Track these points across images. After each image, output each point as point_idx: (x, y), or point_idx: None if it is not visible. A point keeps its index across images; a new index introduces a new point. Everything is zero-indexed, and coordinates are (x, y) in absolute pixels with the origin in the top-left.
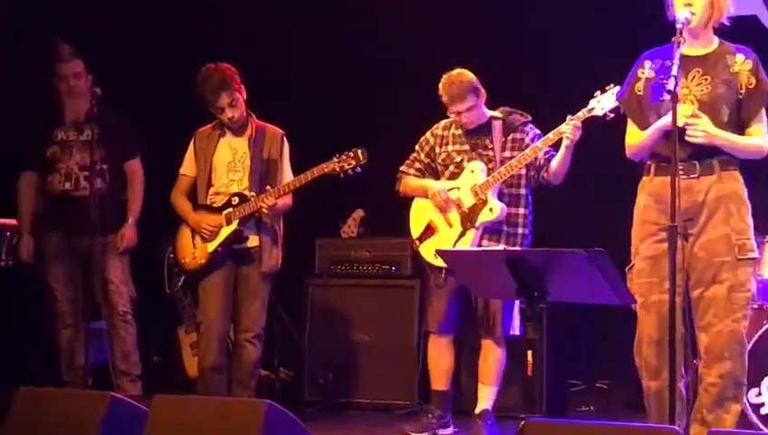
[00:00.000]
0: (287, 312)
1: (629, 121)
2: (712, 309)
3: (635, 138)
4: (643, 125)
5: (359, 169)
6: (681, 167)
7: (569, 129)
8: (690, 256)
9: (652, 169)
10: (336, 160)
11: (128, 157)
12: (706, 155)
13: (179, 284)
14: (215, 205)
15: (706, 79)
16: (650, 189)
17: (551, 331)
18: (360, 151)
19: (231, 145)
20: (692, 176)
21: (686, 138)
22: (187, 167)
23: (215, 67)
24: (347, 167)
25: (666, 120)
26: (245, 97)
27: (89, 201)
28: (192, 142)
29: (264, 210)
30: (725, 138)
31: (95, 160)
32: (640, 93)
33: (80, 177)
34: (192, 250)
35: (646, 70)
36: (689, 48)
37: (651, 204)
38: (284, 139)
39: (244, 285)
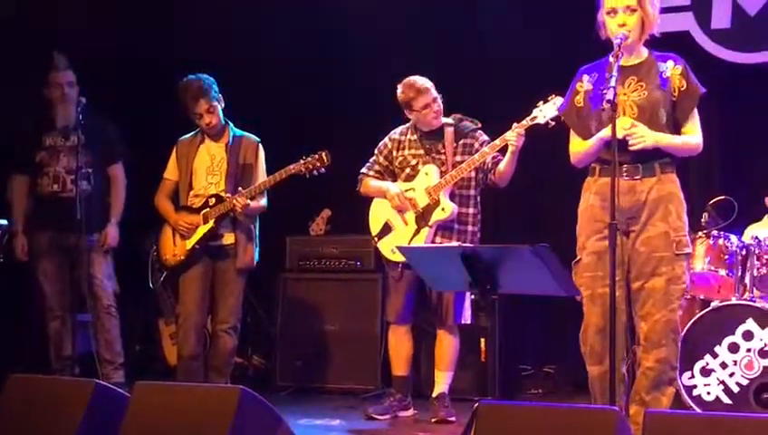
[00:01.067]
0: (260, 304)
1: (572, 132)
2: (651, 300)
3: (577, 147)
4: (584, 134)
5: (323, 170)
6: (625, 168)
7: (513, 136)
8: (632, 250)
9: (597, 170)
10: (302, 162)
11: (111, 161)
12: (648, 158)
13: (161, 279)
14: (194, 206)
15: (642, 85)
16: (596, 189)
17: (502, 320)
18: (324, 154)
19: (210, 151)
20: (635, 177)
21: (630, 148)
22: (170, 171)
23: (195, 77)
24: (312, 168)
25: (606, 132)
26: (223, 106)
27: (75, 202)
28: (174, 149)
29: (238, 209)
30: (666, 139)
31: (80, 165)
32: (580, 105)
33: (67, 179)
34: (172, 248)
35: (584, 83)
36: (624, 60)
37: (597, 203)
38: (260, 146)
39: (221, 280)
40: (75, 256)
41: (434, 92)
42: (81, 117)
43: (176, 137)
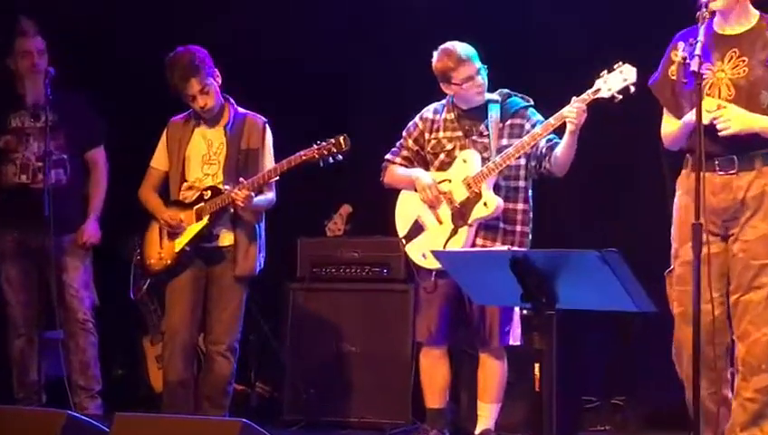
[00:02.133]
0: (265, 319)
1: (665, 109)
2: (748, 316)
3: (670, 127)
4: (678, 113)
5: (340, 157)
6: (717, 161)
7: (573, 112)
8: (730, 258)
9: (689, 163)
10: (316, 148)
11: (90, 146)
12: (746, 148)
13: (144, 288)
14: (186, 200)
15: (743, 60)
16: (688, 186)
17: (560, 341)
18: (342, 138)
19: (206, 136)
20: (730, 171)
21: (719, 133)
22: (159, 160)
23: (184, 51)
24: (327, 154)
25: (690, 115)
26: (220, 82)
27: (44, 195)
28: (164, 133)
29: (239, 203)
30: (761, 123)
31: (50, 150)
32: (674, 78)
33: (37, 168)
34: (158, 250)
35: (679, 52)
36: (724, 26)
37: (689, 203)
38: (267, 127)
39: (216, 290)
40: (45, 261)
41: (477, 62)
42: (49, 91)
43: (166, 116)
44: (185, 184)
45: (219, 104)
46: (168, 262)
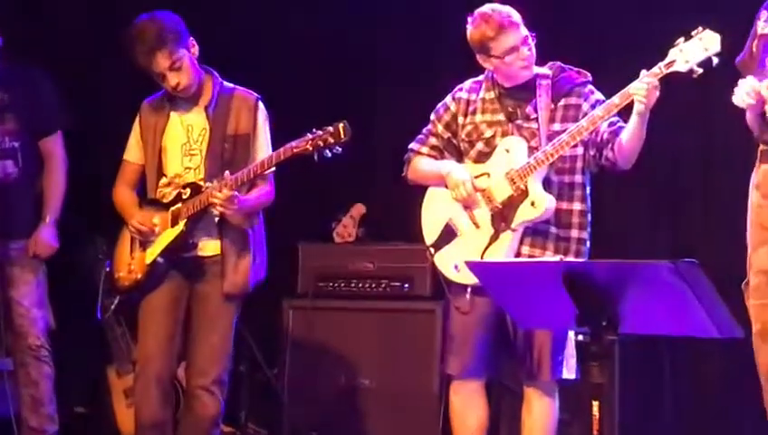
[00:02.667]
0: (258, 345)
1: None
2: None
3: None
4: None
5: (338, 150)
6: None
7: (642, 89)
8: None
9: (759, 153)
10: (310, 137)
11: (45, 132)
12: None
13: (112, 307)
14: (164, 200)
15: None
16: (758, 180)
17: (624, 374)
18: (341, 126)
19: (184, 121)
20: None
21: None
22: (132, 151)
23: (146, 19)
24: (323, 145)
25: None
26: (197, 53)
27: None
28: (137, 118)
29: (219, 206)
30: None
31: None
32: (756, 54)
33: None
34: (128, 261)
35: (760, 22)
36: None
37: (760, 201)
38: (260, 105)
39: (200, 311)
40: None
41: (523, 29)
42: None
43: (138, 96)
44: (163, 179)
45: (196, 81)
46: (139, 276)
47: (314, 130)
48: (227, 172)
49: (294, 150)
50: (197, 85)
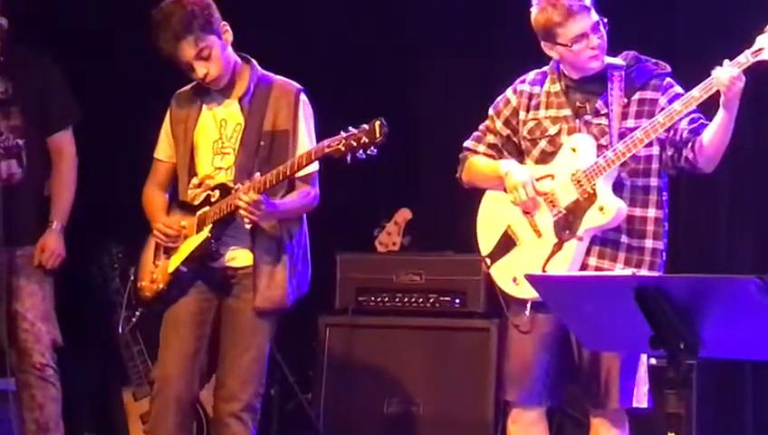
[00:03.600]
0: (292, 367)
1: None
2: None
3: None
4: None
5: (374, 151)
6: None
7: (725, 77)
8: None
9: None
10: (343, 137)
11: (55, 128)
12: None
13: (134, 320)
14: (195, 202)
15: None
16: None
17: (705, 402)
18: (377, 124)
19: (217, 115)
20: None
21: None
22: (163, 149)
23: (173, 3)
24: (356, 146)
25: None
26: (230, 38)
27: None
28: (168, 113)
29: (243, 211)
30: None
31: (1, 132)
32: None
33: None
34: (151, 269)
35: None
36: None
37: None
38: (302, 98)
39: (231, 328)
40: None
41: (594, 14)
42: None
43: (159, 85)
44: (194, 180)
45: (228, 71)
46: (161, 286)
47: (349, 128)
48: (258, 173)
49: (326, 150)
50: (230, 75)
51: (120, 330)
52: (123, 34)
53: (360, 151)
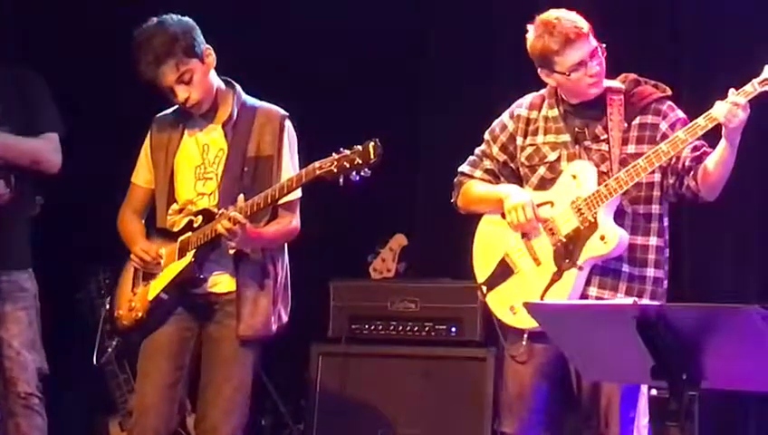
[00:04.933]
0: (283, 397)
1: None
2: None
3: None
4: None
5: (367, 172)
6: None
7: (725, 110)
8: None
9: None
10: (335, 158)
11: (33, 133)
12: None
13: (111, 349)
14: (174, 228)
15: None
16: None
17: (707, 433)
18: (371, 145)
19: (200, 140)
20: None
21: None
22: (141, 174)
23: (154, 26)
24: (349, 167)
25: None
26: (213, 61)
27: None
28: (148, 136)
29: (227, 238)
30: None
31: None
32: None
33: None
34: (130, 297)
35: None
36: None
37: None
38: (287, 124)
39: (212, 357)
40: None
41: (592, 40)
42: None
43: (150, 101)
44: (174, 206)
45: (211, 95)
46: (140, 314)
47: (341, 149)
48: (241, 197)
49: (318, 172)
50: (213, 100)
51: (95, 361)
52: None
53: (354, 173)
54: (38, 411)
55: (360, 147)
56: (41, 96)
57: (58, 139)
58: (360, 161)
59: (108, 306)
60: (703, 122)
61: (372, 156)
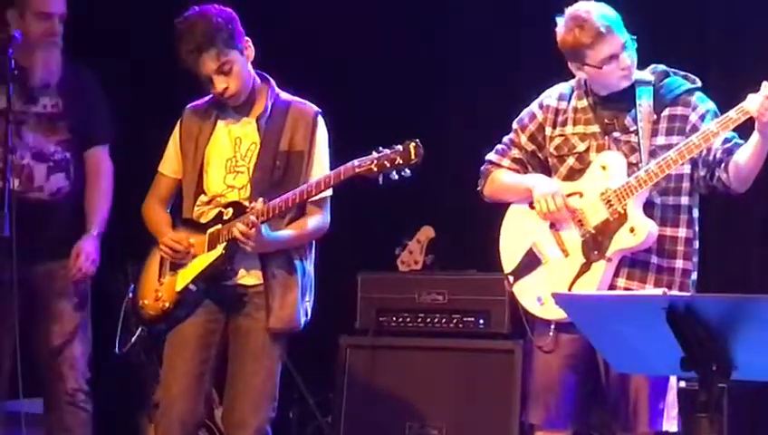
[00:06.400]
0: (310, 389)
1: None
2: None
3: None
4: None
5: (407, 172)
6: None
7: (758, 103)
8: None
9: None
10: (375, 157)
11: (95, 142)
12: None
13: (133, 341)
14: (202, 220)
15: None
16: None
17: (736, 426)
18: (412, 145)
19: (232, 132)
20: None
21: None
22: (169, 163)
23: (196, 15)
24: (390, 166)
25: None
26: (252, 54)
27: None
28: (178, 126)
29: (241, 242)
30: None
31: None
32: None
33: (34, 170)
34: (156, 287)
35: None
36: None
37: None
38: (319, 120)
39: (240, 349)
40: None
41: (623, 33)
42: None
43: (179, 98)
44: (202, 197)
45: (248, 88)
46: (167, 304)
47: (381, 148)
48: (260, 200)
49: (357, 171)
50: (249, 93)
51: (117, 350)
52: (140, 44)
53: (394, 172)
54: (82, 407)
55: (401, 147)
56: (102, 102)
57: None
58: (402, 161)
59: (130, 295)
60: (735, 115)
61: (413, 156)
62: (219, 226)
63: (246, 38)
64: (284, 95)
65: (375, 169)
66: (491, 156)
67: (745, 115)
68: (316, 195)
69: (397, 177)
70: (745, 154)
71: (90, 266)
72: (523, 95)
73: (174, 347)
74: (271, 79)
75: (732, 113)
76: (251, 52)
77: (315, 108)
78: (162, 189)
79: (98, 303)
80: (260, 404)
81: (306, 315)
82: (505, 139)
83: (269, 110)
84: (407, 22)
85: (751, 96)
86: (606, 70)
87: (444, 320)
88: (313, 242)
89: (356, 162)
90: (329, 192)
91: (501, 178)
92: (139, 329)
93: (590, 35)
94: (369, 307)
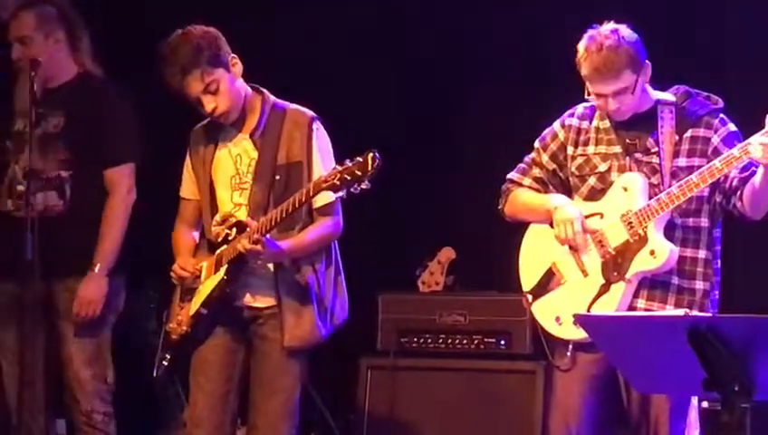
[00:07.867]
0: (332, 411)
1: None
2: None
3: None
4: None
5: (365, 184)
6: None
7: (759, 147)
8: None
9: None
10: (339, 170)
11: (108, 162)
12: None
13: (165, 364)
14: (218, 240)
15: None
16: None
17: None
18: (370, 156)
19: (232, 150)
20: None
21: None
22: (187, 186)
23: (179, 37)
24: (351, 180)
25: None
26: (240, 72)
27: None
28: (188, 150)
29: (247, 256)
30: None
31: (36, 166)
32: None
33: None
34: (177, 311)
35: None
36: None
37: None
38: (316, 126)
39: (259, 371)
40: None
41: (626, 77)
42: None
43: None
44: (216, 217)
45: (239, 104)
46: (185, 328)
47: (345, 161)
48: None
49: (323, 186)
50: (240, 108)
51: (155, 373)
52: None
53: (354, 185)
54: (101, 428)
55: (360, 158)
56: (116, 121)
57: (130, 167)
58: (359, 173)
59: (165, 320)
60: (738, 154)
61: (370, 167)
62: (224, 247)
63: (233, 55)
64: (280, 102)
65: (338, 183)
66: (512, 175)
67: (748, 155)
68: (294, 211)
69: (356, 189)
70: (758, 183)
71: (87, 310)
72: (545, 114)
73: (197, 368)
74: (264, 90)
75: (735, 152)
76: (238, 68)
77: (311, 113)
78: (187, 213)
79: (117, 323)
80: (280, 425)
81: (333, 323)
82: (527, 158)
83: (263, 123)
84: (424, 32)
85: (754, 138)
86: (596, 103)
87: (465, 341)
88: (332, 249)
89: (322, 177)
90: (330, 197)
91: (522, 197)
92: (169, 353)
93: (588, 68)
94: (390, 328)
